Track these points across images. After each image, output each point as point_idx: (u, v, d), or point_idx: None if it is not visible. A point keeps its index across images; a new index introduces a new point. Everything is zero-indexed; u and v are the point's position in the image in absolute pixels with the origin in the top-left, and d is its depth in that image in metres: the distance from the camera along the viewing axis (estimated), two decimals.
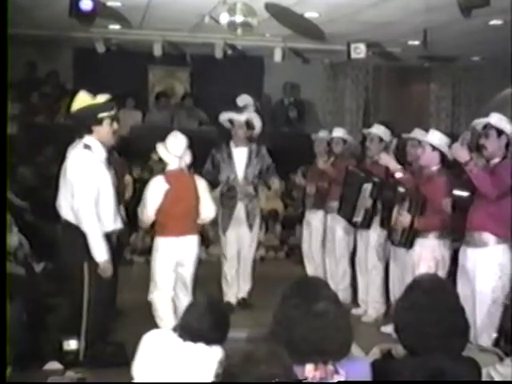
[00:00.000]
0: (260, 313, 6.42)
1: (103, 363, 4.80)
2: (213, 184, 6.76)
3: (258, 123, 6.77)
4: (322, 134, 7.43)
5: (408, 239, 5.32)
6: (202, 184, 5.67)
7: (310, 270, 7.60)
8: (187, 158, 5.56)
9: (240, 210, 6.64)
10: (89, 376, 4.65)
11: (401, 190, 5.51)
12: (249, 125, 6.68)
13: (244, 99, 7.10)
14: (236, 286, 6.79)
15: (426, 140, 5.43)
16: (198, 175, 5.85)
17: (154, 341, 3.22)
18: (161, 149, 5.49)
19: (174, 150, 5.46)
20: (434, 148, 5.35)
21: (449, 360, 2.39)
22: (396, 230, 5.44)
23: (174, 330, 3.25)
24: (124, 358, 4.53)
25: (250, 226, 6.69)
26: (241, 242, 6.73)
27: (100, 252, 4.73)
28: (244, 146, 6.68)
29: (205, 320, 3.16)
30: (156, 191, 5.41)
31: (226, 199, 6.67)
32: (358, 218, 6.31)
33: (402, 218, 5.31)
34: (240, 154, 6.67)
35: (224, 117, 6.78)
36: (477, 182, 4.62)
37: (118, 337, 5.31)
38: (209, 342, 3.13)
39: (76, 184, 4.68)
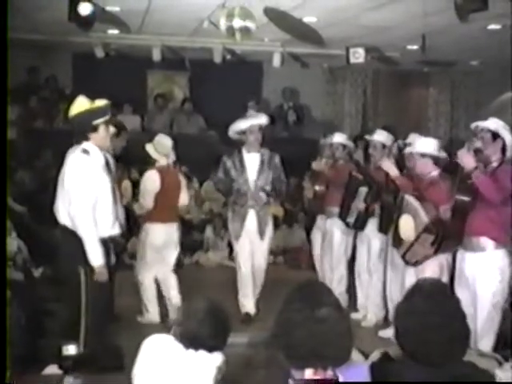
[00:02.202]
0: (258, 316, 6.45)
1: (102, 368, 4.78)
2: (226, 193, 6.68)
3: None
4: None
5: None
6: (183, 179, 6.65)
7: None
8: (172, 156, 6.43)
9: (251, 217, 6.48)
10: (88, 381, 4.63)
11: (407, 197, 5.44)
12: (261, 128, 6.52)
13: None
14: (253, 296, 6.58)
15: (414, 151, 5.48)
16: (181, 172, 6.94)
17: (155, 347, 3.20)
18: (149, 148, 6.37)
19: (162, 149, 6.32)
20: (423, 155, 5.39)
21: (449, 365, 2.39)
22: (413, 254, 5.28)
23: (175, 335, 3.23)
24: (122, 362, 4.52)
25: (262, 234, 6.52)
26: (253, 250, 6.56)
27: (96, 257, 4.72)
28: (256, 151, 6.50)
29: (204, 326, 3.14)
30: (152, 182, 6.26)
31: (237, 207, 6.51)
32: (351, 219, 6.53)
33: (425, 250, 5.11)
34: (252, 160, 6.50)
35: (244, 125, 6.45)
36: (482, 189, 4.60)
37: (116, 341, 5.30)
38: (209, 348, 3.12)
39: (73, 189, 4.66)
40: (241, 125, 6.46)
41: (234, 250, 6.76)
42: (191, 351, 3.12)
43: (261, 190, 6.46)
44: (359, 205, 6.40)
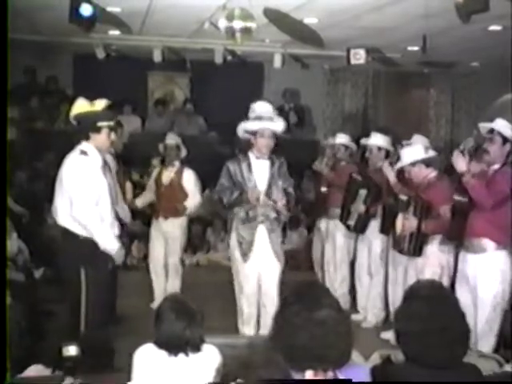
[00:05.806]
0: None
1: (102, 369, 4.78)
2: (230, 204, 5.65)
3: None
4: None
5: (417, 246, 5.31)
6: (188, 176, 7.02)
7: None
8: (182, 154, 6.95)
9: (262, 234, 5.59)
10: (88, 382, 4.63)
11: (403, 197, 5.50)
12: (275, 134, 5.66)
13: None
14: (254, 322, 5.72)
15: (403, 165, 5.51)
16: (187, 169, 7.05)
17: (146, 358, 3.18)
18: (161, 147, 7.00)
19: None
20: (413, 164, 5.45)
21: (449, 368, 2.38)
22: (404, 238, 5.41)
23: (157, 345, 3.20)
24: (122, 363, 4.52)
25: (275, 254, 5.64)
26: (263, 273, 5.65)
27: (111, 243, 4.79)
28: (266, 158, 5.64)
29: (177, 324, 3.13)
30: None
31: (245, 222, 5.59)
32: (351, 222, 6.49)
33: (409, 222, 5.30)
34: (261, 168, 5.62)
35: (255, 125, 5.54)
36: (473, 193, 4.63)
37: (117, 343, 5.30)
38: (189, 343, 3.11)
39: (73, 190, 4.66)
40: (251, 125, 5.56)
41: (239, 272, 5.67)
42: (183, 358, 3.11)
43: (272, 203, 5.55)
44: (359, 207, 6.37)
